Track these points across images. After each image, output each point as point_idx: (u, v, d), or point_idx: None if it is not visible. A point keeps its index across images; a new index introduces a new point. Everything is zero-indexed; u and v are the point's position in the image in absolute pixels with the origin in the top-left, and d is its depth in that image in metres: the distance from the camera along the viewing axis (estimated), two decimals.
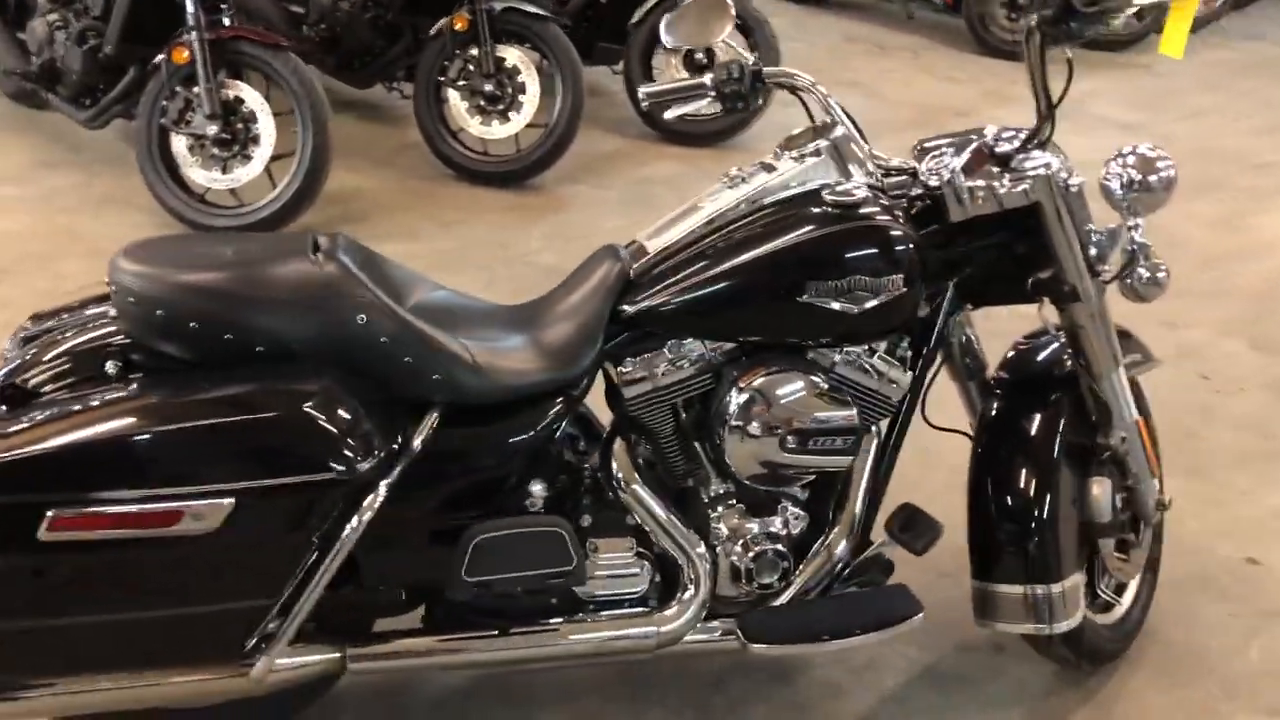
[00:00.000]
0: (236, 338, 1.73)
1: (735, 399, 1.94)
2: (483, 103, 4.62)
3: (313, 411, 1.66)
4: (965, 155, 2.01)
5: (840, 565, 2.08)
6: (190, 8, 3.87)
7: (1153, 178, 2.08)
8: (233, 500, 1.62)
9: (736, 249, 1.93)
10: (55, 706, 1.75)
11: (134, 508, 1.58)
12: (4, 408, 1.69)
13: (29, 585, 1.62)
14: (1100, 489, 2.19)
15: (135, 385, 1.69)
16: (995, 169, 2.02)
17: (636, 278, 1.98)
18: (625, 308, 1.95)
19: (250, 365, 1.72)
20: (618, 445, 2.01)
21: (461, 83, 4.62)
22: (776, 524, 2.05)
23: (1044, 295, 2.11)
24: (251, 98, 4.03)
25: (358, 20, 4.89)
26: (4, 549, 1.59)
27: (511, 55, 4.61)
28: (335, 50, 5.01)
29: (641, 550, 2.02)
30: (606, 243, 2.08)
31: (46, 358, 1.77)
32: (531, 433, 1.89)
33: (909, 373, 2.08)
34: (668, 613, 2.00)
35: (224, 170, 4.06)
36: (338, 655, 1.85)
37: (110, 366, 1.73)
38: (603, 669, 2.30)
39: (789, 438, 1.95)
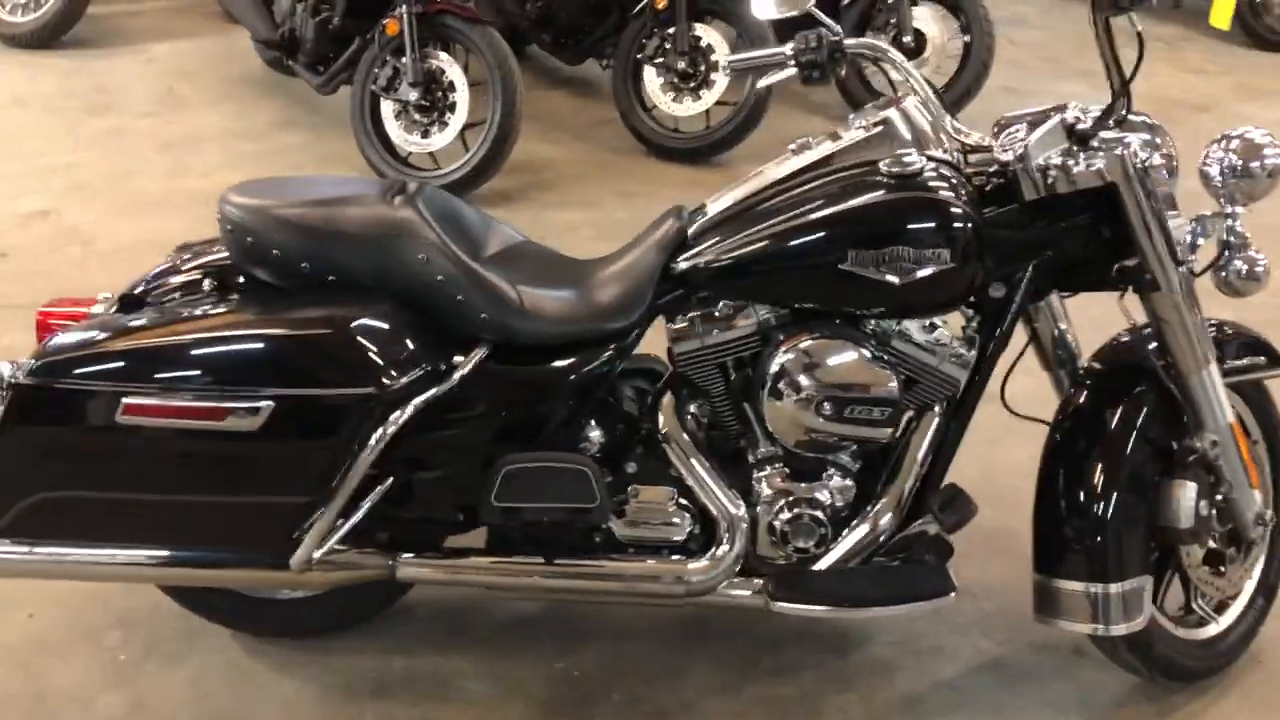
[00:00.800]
0: (312, 267, 1.94)
1: (776, 360, 1.98)
2: (676, 80, 4.74)
3: (350, 333, 1.85)
4: (1040, 132, 1.95)
5: (883, 538, 2.07)
6: None
7: (1255, 164, 1.95)
8: (272, 404, 1.83)
9: (782, 213, 1.96)
10: (121, 574, 2.02)
11: (188, 402, 1.83)
12: (117, 311, 1.98)
13: (109, 460, 1.89)
14: (1182, 492, 2.07)
15: (215, 301, 1.95)
16: (1073, 147, 1.95)
17: (692, 238, 2.04)
18: (677, 264, 2.02)
19: (317, 291, 1.93)
20: (665, 399, 2.09)
21: (658, 60, 4.75)
22: (821, 491, 2.06)
23: (1126, 283, 2.02)
24: (451, 68, 4.32)
25: None
26: (91, 426, 1.86)
27: (708, 34, 4.71)
28: (550, 27, 5.27)
29: (683, 502, 2.09)
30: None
31: (170, 274, 2.06)
32: (572, 377, 2.00)
33: (974, 353, 2.05)
34: (700, 564, 2.05)
35: (423, 135, 4.38)
36: (386, 562, 2.03)
37: (206, 284, 1.99)
38: (664, 618, 2.38)
39: (825, 404, 1.96)
